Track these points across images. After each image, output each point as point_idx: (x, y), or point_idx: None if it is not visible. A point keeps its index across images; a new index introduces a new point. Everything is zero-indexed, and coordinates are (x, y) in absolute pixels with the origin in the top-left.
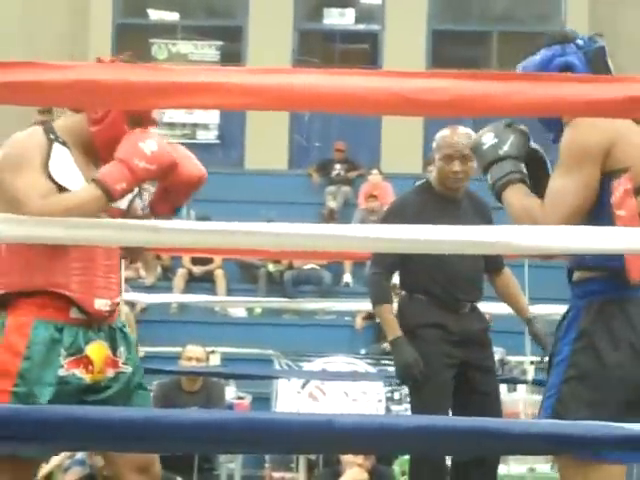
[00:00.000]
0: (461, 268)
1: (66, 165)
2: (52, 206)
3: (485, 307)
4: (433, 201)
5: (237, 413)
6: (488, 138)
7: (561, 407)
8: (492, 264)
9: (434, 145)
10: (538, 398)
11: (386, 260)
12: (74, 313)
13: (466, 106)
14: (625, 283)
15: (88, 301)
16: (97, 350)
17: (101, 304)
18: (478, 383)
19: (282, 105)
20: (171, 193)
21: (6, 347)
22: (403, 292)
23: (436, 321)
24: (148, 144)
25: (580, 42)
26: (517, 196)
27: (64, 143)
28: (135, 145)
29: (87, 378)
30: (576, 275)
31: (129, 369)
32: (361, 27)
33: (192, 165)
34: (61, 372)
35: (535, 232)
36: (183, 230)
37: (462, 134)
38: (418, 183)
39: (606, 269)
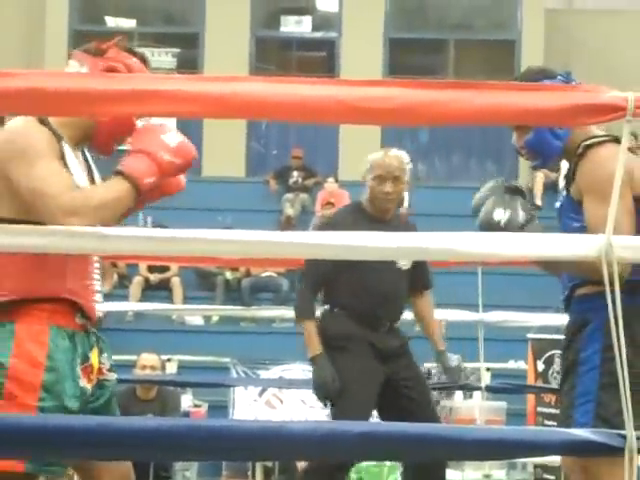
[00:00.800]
0: (385, 288)
1: (73, 162)
2: (85, 200)
3: (440, 314)
4: (363, 220)
5: (190, 420)
6: (499, 214)
7: (604, 411)
8: (420, 282)
9: (367, 166)
10: (493, 404)
11: (315, 275)
12: (78, 319)
13: (411, 114)
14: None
15: (90, 306)
16: (95, 357)
17: (97, 309)
18: (403, 390)
19: (227, 113)
20: (144, 198)
21: (23, 358)
22: (325, 306)
23: (356, 334)
24: (170, 137)
25: (561, 77)
26: None
27: (63, 138)
28: (158, 137)
29: (89, 387)
30: (587, 288)
31: (114, 376)
32: (318, 35)
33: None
34: (81, 383)
35: (478, 239)
36: (130, 237)
37: (394, 156)
38: (349, 203)
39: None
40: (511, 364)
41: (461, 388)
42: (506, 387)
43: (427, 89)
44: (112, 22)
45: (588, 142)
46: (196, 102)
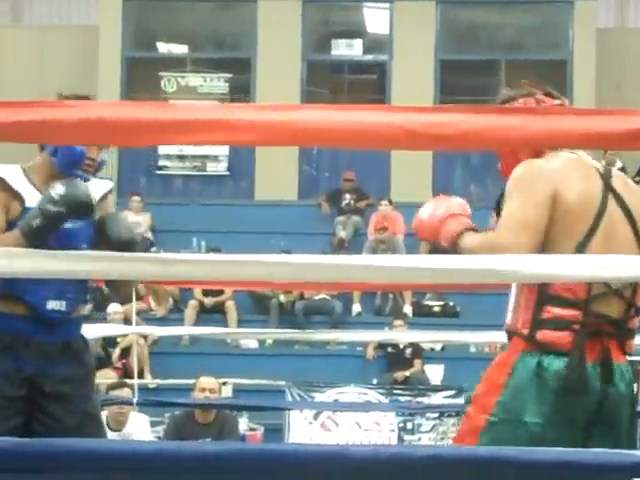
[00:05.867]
0: None
1: None
2: None
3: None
4: None
5: (251, 445)
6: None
7: None
8: None
9: None
10: None
11: None
12: None
13: (474, 140)
14: None
15: None
16: None
17: None
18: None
19: (290, 141)
20: None
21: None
22: None
23: None
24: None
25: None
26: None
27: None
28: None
29: None
30: None
31: None
32: (369, 57)
33: None
34: None
35: (543, 260)
36: (197, 262)
37: None
38: None
39: None
40: None
41: None
42: None
43: (488, 114)
44: (164, 48)
45: None
46: (257, 130)
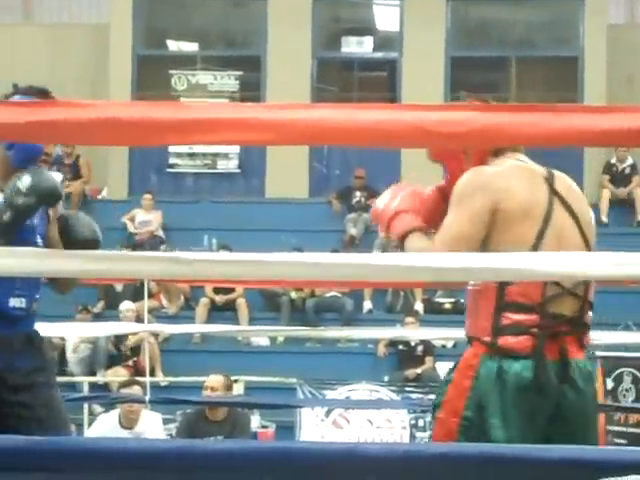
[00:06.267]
0: None
1: None
2: None
3: None
4: None
5: (265, 443)
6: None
7: None
8: None
9: None
10: None
11: None
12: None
13: (487, 137)
14: None
15: None
16: None
17: None
18: None
19: (300, 140)
20: None
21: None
22: None
23: None
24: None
25: None
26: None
27: None
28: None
29: None
30: None
31: None
32: (379, 55)
33: None
34: None
35: (557, 259)
36: (214, 262)
37: None
38: None
39: None
40: None
41: None
42: None
43: (502, 112)
44: (174, 46)
45: None
46: (270, 130)
